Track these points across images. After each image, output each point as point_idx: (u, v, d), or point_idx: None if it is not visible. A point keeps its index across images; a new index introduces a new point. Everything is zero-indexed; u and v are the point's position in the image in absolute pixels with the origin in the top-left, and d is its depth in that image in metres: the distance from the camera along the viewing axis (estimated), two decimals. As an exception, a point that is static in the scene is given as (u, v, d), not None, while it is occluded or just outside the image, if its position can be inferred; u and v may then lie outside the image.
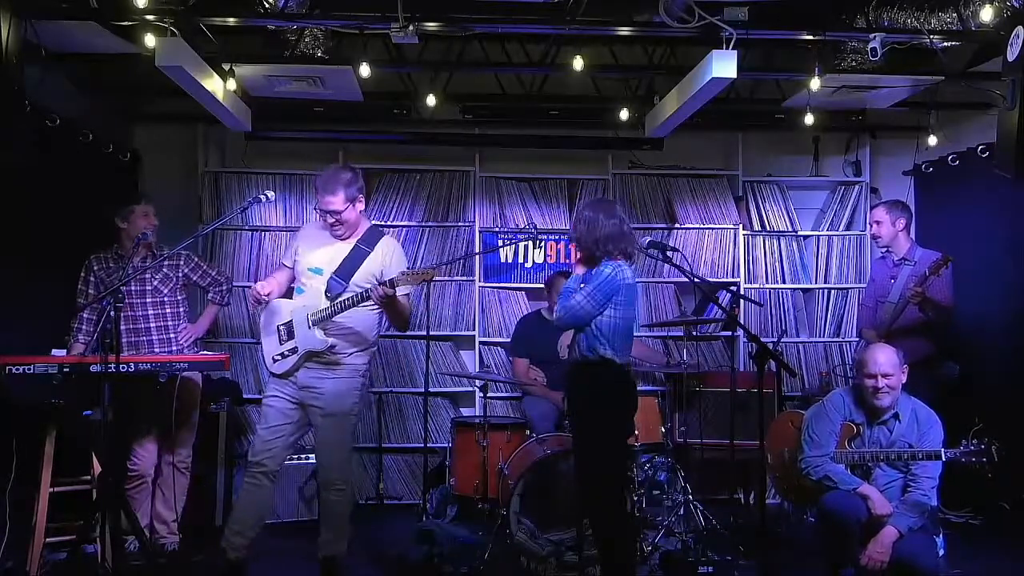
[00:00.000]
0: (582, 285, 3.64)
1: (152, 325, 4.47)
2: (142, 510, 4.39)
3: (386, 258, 3.83)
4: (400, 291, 3.67)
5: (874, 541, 3.58)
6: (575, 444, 3.81)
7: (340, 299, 3.73)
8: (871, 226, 4.93)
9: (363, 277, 3.77)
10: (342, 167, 3.90)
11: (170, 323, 4.52)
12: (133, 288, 4.41)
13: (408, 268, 3.63)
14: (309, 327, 3.77)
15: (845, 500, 3.64)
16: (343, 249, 3.85)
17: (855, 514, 3.60)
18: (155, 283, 4.48)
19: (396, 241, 4.01)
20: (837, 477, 3.73)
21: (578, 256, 3.81)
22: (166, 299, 4.51)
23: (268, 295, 3.82)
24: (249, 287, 4.20)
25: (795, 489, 4.29)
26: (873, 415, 3.81)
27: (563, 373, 3.92)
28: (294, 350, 3.80)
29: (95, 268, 4.44)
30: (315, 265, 3.84)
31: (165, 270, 4.51)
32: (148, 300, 4.47)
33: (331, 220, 3.80)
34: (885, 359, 3.74)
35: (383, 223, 5.79)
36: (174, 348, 4.52)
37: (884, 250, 4.92)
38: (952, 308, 4.61)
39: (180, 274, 4.56)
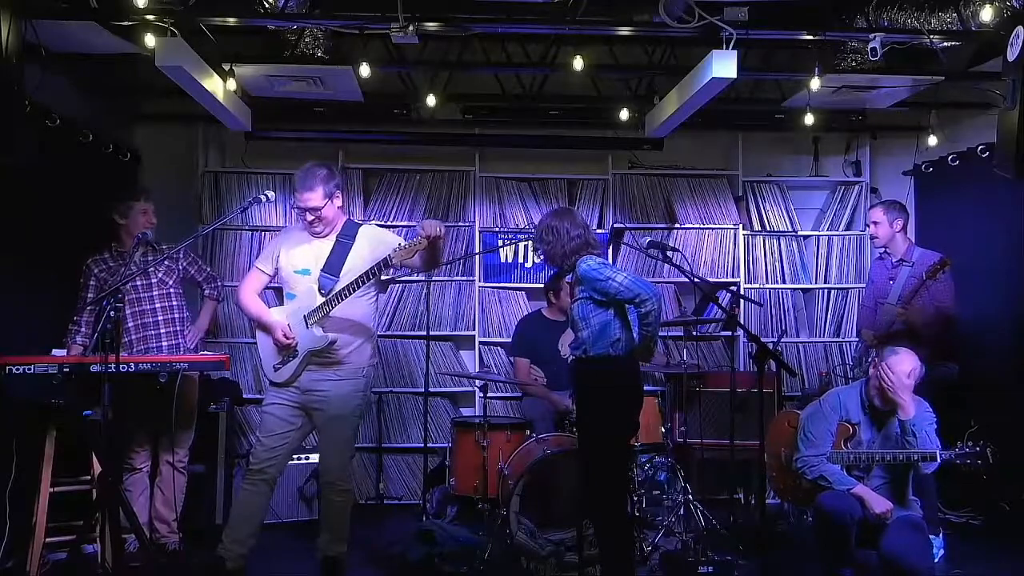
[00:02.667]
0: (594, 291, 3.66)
1: (160, 319, 4.48)
2: (138, 504, 4.39)
3: (372, 241, 3.80)
4: (406, 260, 3.65)
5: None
6: (581, 442, 3.79)
7: (334, 291, 3.72)
8: (869, 227, 4.93)
9: (352, 268, 3.75)
10: (318, 164, 3.85)
11: (176, 316, 4.54)
12: (139, 283, 4.43)
13: (401, 244, 3.61)
14: (307, 327, 3.76)
15: (841, 500, 3.64)
16: (326, 246, 3.83)
17: (850, 514, 3.60)
18: (159, 275, 4.50)
19: (375, 226, 3.99)
20: (832, 477, 3.73)
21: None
22: (172, 291, 4.54)
23: (293, 338, 3.78)
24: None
25: (792, 489, 4.29)
26: (872, 409, 3.81)
27: (570, 371, 3.90)
28: (294, 354, 3.80)
29: (95, 271, 4.44)
30: (301, 267, 3.83)
31: (167, 263, 4.52)
32: (155, 293, 4.48)
33: (310, 217, 3.78)
34: (914, 369, 3.73)
35: (383, 223, 5.79)
36: (181, 341, 4.53)
37: (882, 251, 4.92)
38: (953, 312, 4.60)
39: (180, 267, 4.60)
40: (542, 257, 3.85)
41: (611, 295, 3.61)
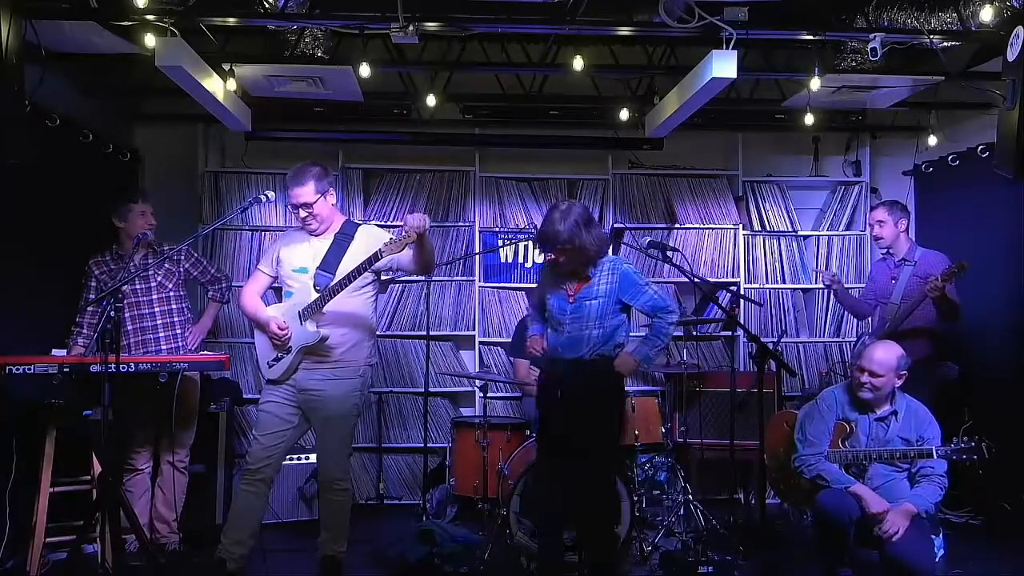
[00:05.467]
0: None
1: (159, 322, 4.49)
2: (139, 505, 4.40)
3: (370, 240, 3.79)
4: (400, 257, 3.65)
5: (895, 512, 3.57)
6: (590, 443, 3.78)
7: (328, 286, 3.71)
8: (873, 227, 4.91)
9: (349, 266, 3.73)
10: (310, 162, 3.86)
11: (176, 319, 4.54)
12: (138, 287, 4.43)
13: (392, 238, 3.60)
14: (301, 323, 3.76)
15: (839, 499, 3.64)
16: (323, 244, 3.83)
17: (849, 513, 3.60)
18: (159, 279, 4.50)
19: (375, 227, 3.98)
20: (830, 476, 3.73)
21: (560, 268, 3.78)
22: (171, 295, 4.53)
23: (287, 330, 3.78)
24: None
25: (792, 490, 4.29)
26: (867, 407, 3.81)
27: (569, 370, 3.82)
28: (288, 350, 3.79)
29: (96, 272, 4.44)
30: (299, 265, 3.83)
31: (167, 266, 4.52)
32: (154, 297, 4.48)
33: (303, 214, 3.78)
34: (880, 358, 3.75)
35: (383, 223, 5.79)
36: (180, 344, 4.53)
37: (884, 251, 4.91)
38: (958, 304, 4.60)
39: (181, 269, 4.58)
40: (575, 257, 3.72)
41: (641, 302, 3.73)
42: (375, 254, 3.60)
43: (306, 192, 3.75)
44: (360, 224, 3.95)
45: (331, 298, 3.71)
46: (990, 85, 5.01)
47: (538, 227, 3.84)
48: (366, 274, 3.74)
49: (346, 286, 3.69)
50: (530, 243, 5.97)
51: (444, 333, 5.91)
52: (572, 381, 3.81)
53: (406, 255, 3.68)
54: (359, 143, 5.97)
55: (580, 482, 3.81)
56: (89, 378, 3.79)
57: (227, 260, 5.79)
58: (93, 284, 4.43)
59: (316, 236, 3.85)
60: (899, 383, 3.79)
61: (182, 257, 4.57)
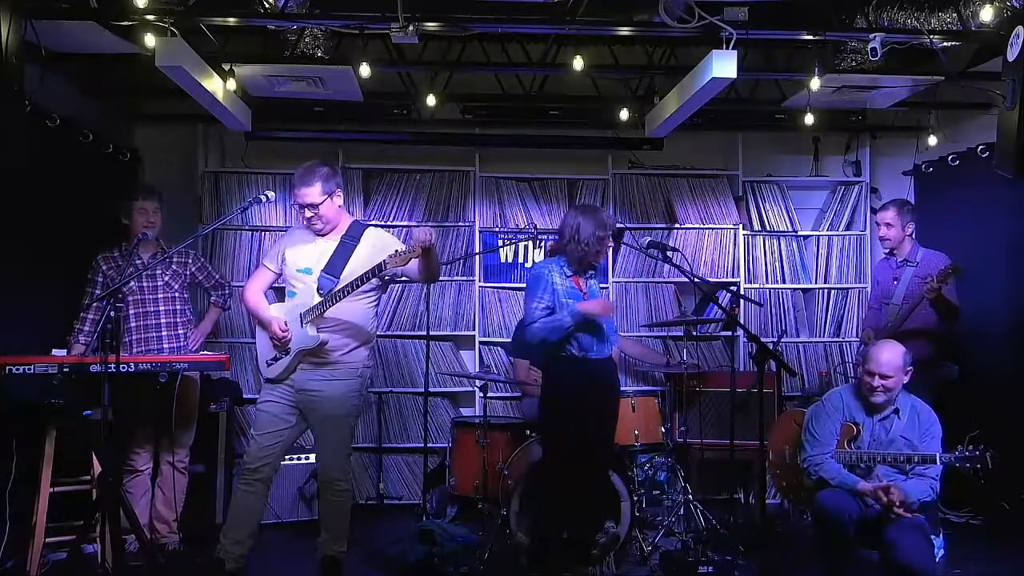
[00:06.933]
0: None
1: (163, 321, 4.50)
2: (140, 506, 4.40)
3: (376, 245, 3.78)
4: (399, 267, 3.62)
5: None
6: (605, 441, 3.97)
7: (331, 292, 3.71)
8: (879, 227, 4.89)
9: (352, 271, 3.72)
10: (319, 162, 3.84)
11: (179, 319, 4.56)
12: (144, 284, 4.45)
13: (397, 250, 3.59)
14: (301, 326, 3.76)
15: (839, 499, 3.65)
16: (329, 246, 3.82)
17: (849, 513, 3.61)
18: (166, 278, 4.52)
19: (382, 230, 3.97)
20: (837, 476, 3.73)
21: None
22: (176, 295, 4.56)
23: (288, 331, 3.77)
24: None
25: (795, 488, 4.30)
26: (873, 409, 3.82)
27: (605, 369, 3.99)
28: (287, 351, 3.79)
29: (103, 267, 4.45)
30: (303, 266, 3.82)
31: (174, 267, 4.55)
32: (160, 296, 4.50)
33: (308, 214, 3.77)
34: (888, 359, 3.76)
35: (383, 223, 5.79)
36: (182, 344, 4.54)
37: (888, 251, 4.91)
38: (957, 305, 4.61)
39: (188, 272, 4.61)
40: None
41: None
42: (379, 265, 3.60)
43: (312, 193, 3.73)
44: (368, 226, 3.93)
45: (333, 304, 3.70)
46: (990, 85, 5.01)
47: (611, 224, 4.02)
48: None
49: (349, 294, 3.69)
50: (530, 243, 5.96)
51: (444, 333, 5.91)
52: (605, 381, 3.98)
53: (411, 265, 3.68)
54: (359, 143, 5.97)
55: (597, 483, 3.95)
56: (89, 378, 3.79)
57: (227, 260, 5.79)
58: (100, 279, 4.44)
59: (322, 236, 3.85)
60: (906, 379, 3.81)
61: (189, 260, 4.62)
